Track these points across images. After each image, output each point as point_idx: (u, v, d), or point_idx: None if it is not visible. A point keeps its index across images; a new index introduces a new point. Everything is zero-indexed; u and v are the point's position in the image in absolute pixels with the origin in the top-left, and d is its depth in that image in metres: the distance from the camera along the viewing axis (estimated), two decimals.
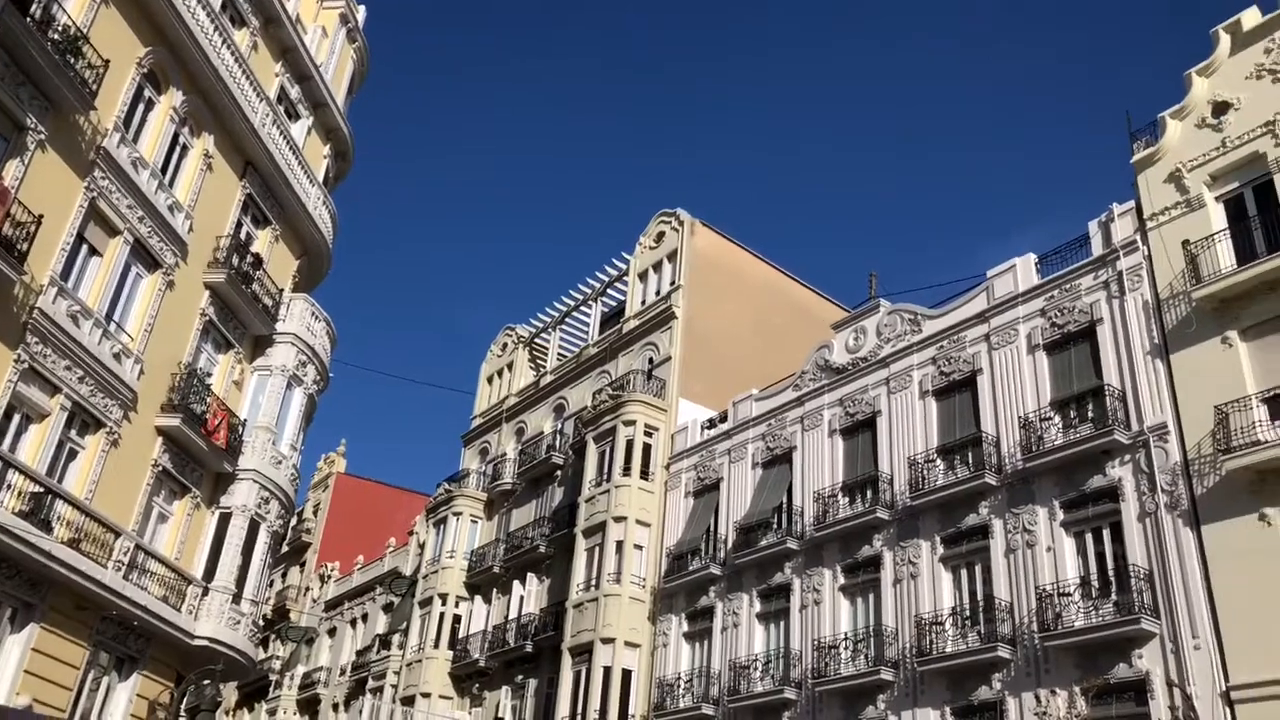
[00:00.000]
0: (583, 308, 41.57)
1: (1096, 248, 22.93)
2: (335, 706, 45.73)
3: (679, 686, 28.15)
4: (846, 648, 24.17)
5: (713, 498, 30.31)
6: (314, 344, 25.43)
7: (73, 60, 17.85)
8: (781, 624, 26.50)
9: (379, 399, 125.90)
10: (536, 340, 44.05)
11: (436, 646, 37.86)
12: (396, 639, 41.52)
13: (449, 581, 38.97)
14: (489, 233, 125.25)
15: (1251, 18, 21.53)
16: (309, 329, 25.34)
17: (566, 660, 30.54)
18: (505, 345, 45.72)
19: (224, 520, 22.71)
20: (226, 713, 51.10)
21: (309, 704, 47.72)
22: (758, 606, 27.30)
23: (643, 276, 38.16)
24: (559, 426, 38.79)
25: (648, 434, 32.82)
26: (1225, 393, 19.14)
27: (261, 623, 24.75)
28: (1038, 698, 19.78)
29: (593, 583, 31.16)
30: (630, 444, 32.49)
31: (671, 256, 36.95)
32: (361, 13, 29.96)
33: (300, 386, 25.01)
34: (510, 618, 35.85)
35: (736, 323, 36.41)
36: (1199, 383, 19.76)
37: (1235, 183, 20.99)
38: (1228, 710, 17.34)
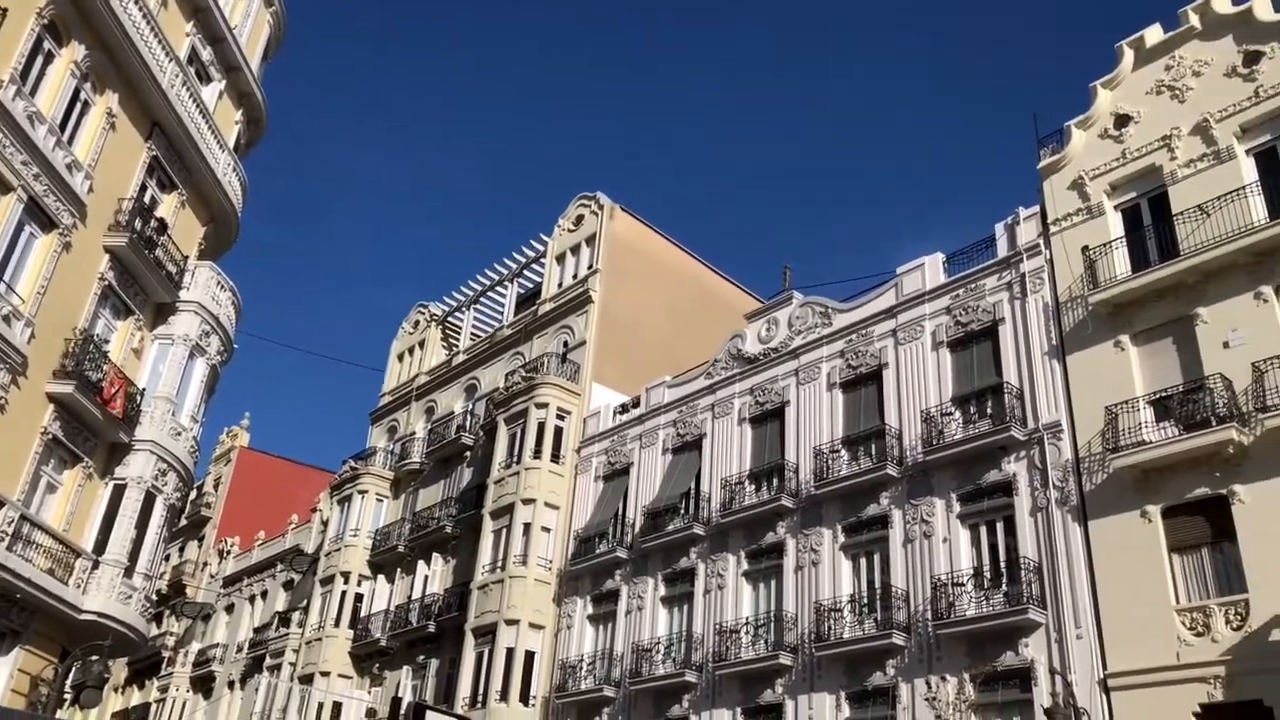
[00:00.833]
0: (498, 288, 41.27)
1: (1002, 249, 23.62)
2: (231, 684, 44.77)
3: (581, 668, 28.30)
4: (747, 632, 24.59)
5: (622, 482, 30.48)
6: (218, 314, 24.76)
7: None
8: (685, 608, 26.82)
9: (285, 373, 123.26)
10: (450, 319, 43.60)
11: (337, 625, 37.36)
12: (296, 617, 40.84)
13: (352, 560, 38.46)
14: (406, 208, 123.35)
15: (1154, 35, 22.37)
16: (214, 298, 24.66)
17: (469, 641, 30.44)
18: (417, 323, 45.16)
19: (118, 492, 22.00)
20: (115, 689, 49.61)
21: (203, 681, 46.60)
22: (662, 590, 27.58)
23: (560, 259, 38.05)
24: (470, 407, 38.51)
25: (560, 417, 32.81)
26: (1116, 394, 19.94)
27: (155, 598, 24.09)
28: (929, 684, 20.41)
29: (499, 564, 31.09)
30: (542, 427, 32.43)
31: (590, 240, 36.91)
32: None
33: (203, 357, 24.35)
34: (414, 597, 35.55)
35: (652, 309, 36.58)
36: (1092, 384, 20.55)
37: (1133, 193, 21.84)
38: (1104, 697, 18.15)
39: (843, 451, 24.63)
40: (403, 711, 11.49)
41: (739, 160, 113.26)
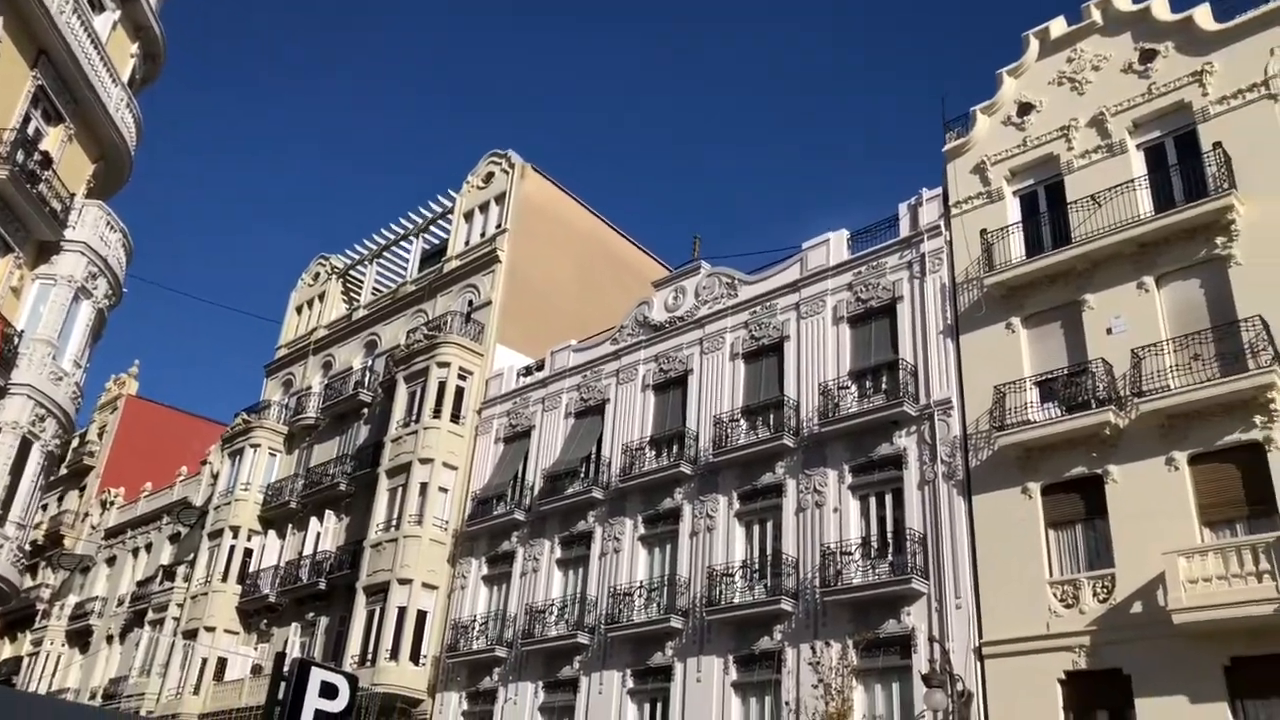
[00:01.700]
0: (403, 243, 40.53)
1: (905, 229, 24.12)
2: (110, 638, 43.45)
3: (474, 629, 28.30)
4: (641, 596, 24.88)
5: (523, 445, 30.40)
6: (107, 255, 23.74)
7: None
8: (581, 571, 26.99)
9: (178, 321, 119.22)
10: (352, 272, 42.70)
11: (224, 580, 36.58)
12: (182, 571, 39.83)
13: (242, 514, 37.63)
14: (310, 156, 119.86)
15: (1058, 27, 23.01)
16: (102, 239, 23.63)
17: (361, 599, 30.13)
18: (318, 275, 44.11)
19: None
20: None
21: (79, 635, 45.14)
22: (559, 553, 27.69)
23: (468, 216, 37.52)
24: (369, 363, 37.89)
25: (461, 377, 32.50)
26: (1004, 374, 20.64)
27: (29, 548, 23.17)
28: (814, 649, 20.96)
29: (393, 523, 30.79)
30: (443, 386, 32.10)
31: (499, 199, 36.48)
32: None
33: (89, 300, 23.35)
34: (305, 554, 34.98)
35: (560, 272, 36.38)
36: (983, 363, 21.22)
37: (1031, 180, 22.52)
38: (978, 664, 18.92)
39: (742, 421, 24.99)
40: (286, 667, 11.29)
41: (655, 129, 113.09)
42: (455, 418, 31.94)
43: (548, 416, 30.11)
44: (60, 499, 53.84)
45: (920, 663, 19.37)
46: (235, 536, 37.42)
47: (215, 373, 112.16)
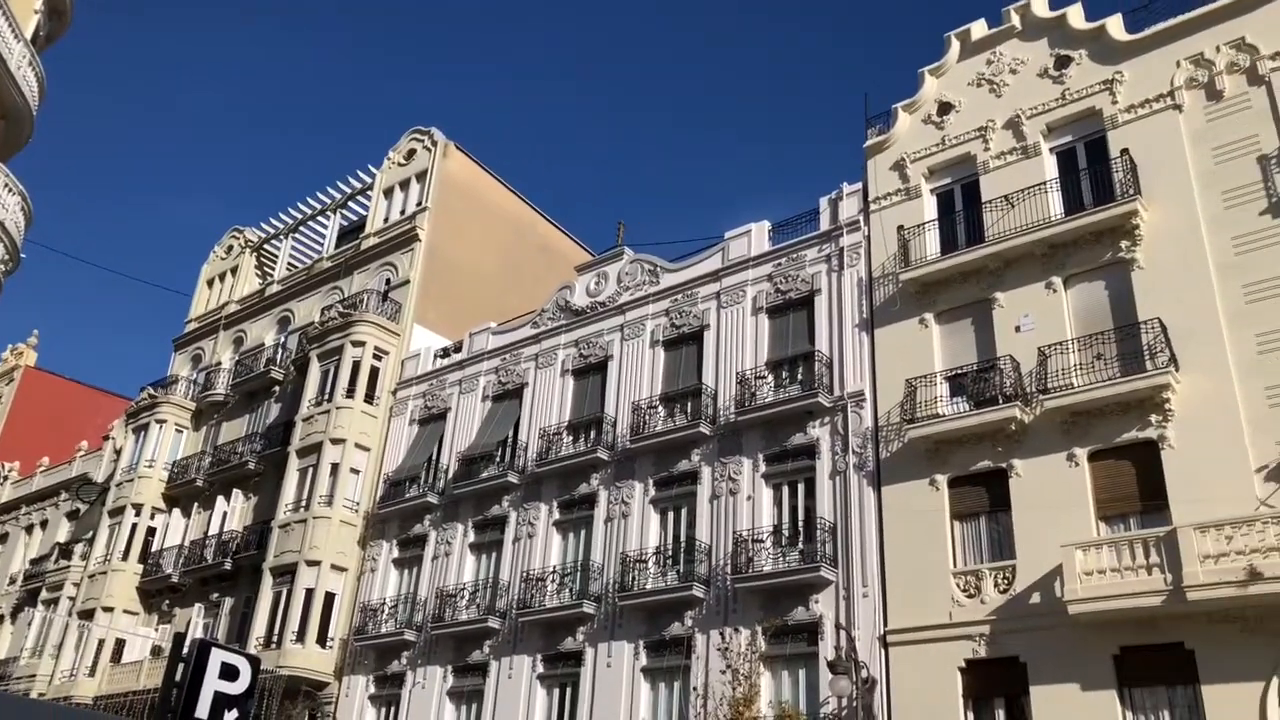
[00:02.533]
0: (320, 218, 39.69)
1: (825, 223, 24.42)
2: (0, 617, 41.88)
3: (383, 612, 27.96)
4: (553, 581, 24.85)
5: (438, 427, 30.08)
6: (4, 219, 22.72)
7: None
8: (494, 555, 26.83)
9: (82, 290, 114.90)
10: (266, 246, 41.70)
11: (125, 559, 35.55)
12: (80, 549, 38.54)
13: (145, 492, 36.57)
14: (226, 125, 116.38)
15: (979, 29, 23.50)
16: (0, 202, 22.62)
17: (267, 580, 29.54)
18: (231, 248, 43.00)
19: None
20: None
21: None
22: (472, 537, 27.49)
23: (388, 193, 36.91)
24: (282, 340, 37.08)
25: (377, 357, 32.01)
26: (916, 368, 21.07)
27: None
28: (723, 635, 21.18)
29: (303, 503, 30.23)
30: (357, 365, 31.58)
31: (421, 176, 35.94)
32: None
33: None
34: (211, 534, 34.16)
35: (481, 253, 36.03)
36: (896, 357, 21.63)
37: (948, 178, 22.98)
38: (882, 651, 19.34)
39: (660, 408, 25.08)
40: (185, 648, 10.98)
41: (582, 116, 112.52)
42: (369, 398, 31.46)
43: (464, 399, 29.84)
44: None
45: (827, 650, 19.72)
46: (138, 514, 36.39)
47: (120, 346, 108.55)
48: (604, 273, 28.56)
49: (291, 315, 37.52)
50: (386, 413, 31.52)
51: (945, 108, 23.35)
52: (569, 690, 23.60)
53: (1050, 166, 21.45)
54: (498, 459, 27.92)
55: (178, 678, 10.66)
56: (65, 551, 39.80)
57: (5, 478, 48.07)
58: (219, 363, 38.95)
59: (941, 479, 20.02)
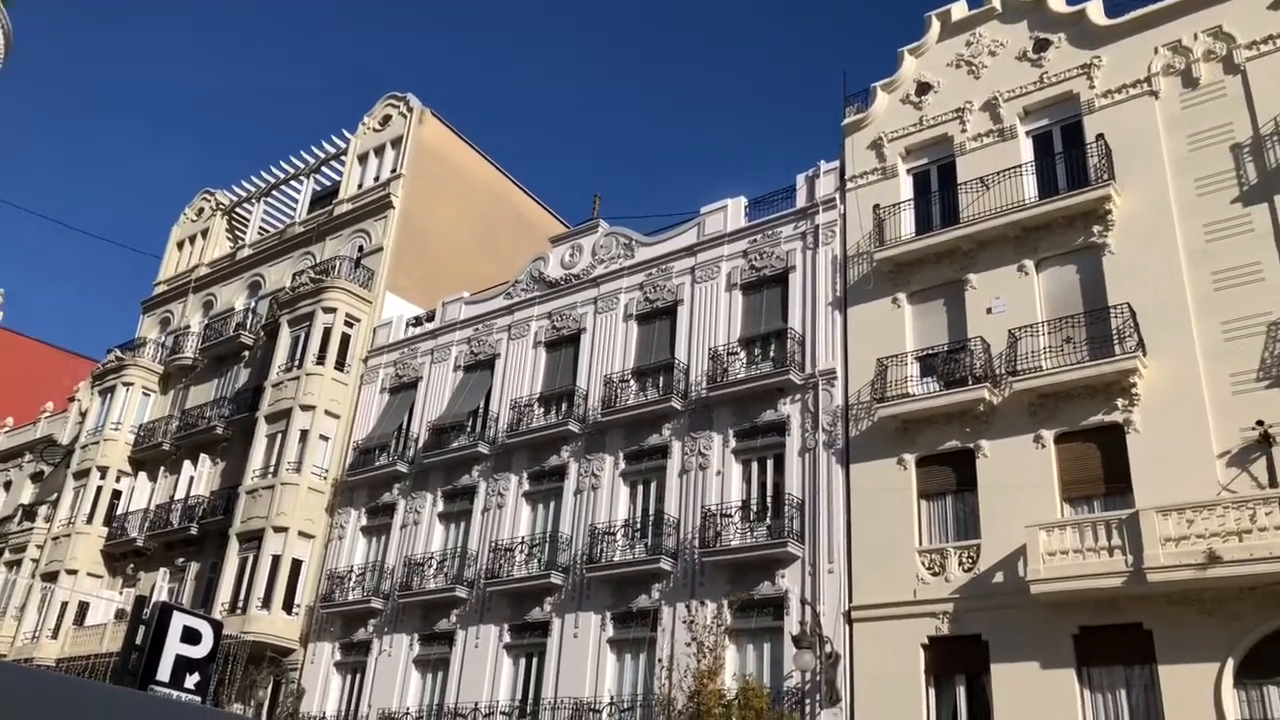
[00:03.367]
0: (293, 182, 39.25)
1: (801, 200, 24.39)
2: None
3: (350, 579, 27.90)
4: (522, 551, 24.87)
5: (409, 396, 29.93)
6: None
7: None
8: (463, 525, 26.81)
9: (49, 250, 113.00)
10: (238, 209, 41.21)
11: (90, 522, 35.25)
12: (44, 511, 38.18)
13: (111, 455, 36.21)
14: (200, 85, 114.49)
15: (959, 10, 23.47)
16: None
17: (234, 546, 29.40)
18: (202, 210, 42.44)
19: None
20: None
21: None
22: (440, 506, 27.44)
23: (362, 159, 36.52)
24: (252, 305, 36.72)
25: (348, 324, 31.78)
26: (888, 348, 21.15)
27: None
28: (689, 608, 21.30)
29: (271, 469, 30.05)
30: (328, 332, 31.34)
31: (396, 143, 35.57)
32: None
33: None
34: (177, 498, 33.88)
35: (455, 222, 35.76)
36: (868, 336, 21.70)
37: (925, 159, 23.00)
38: (847, 627, 19.52)
39: (632, 382, 25.07)
40: (146, 611, 10.92)
41: (562, 87, 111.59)
42: (340, 365, 31.25)
43: (436, 368, 29.69)
44: None
45: (791, 624, 19.87)
46: (103, 477, 36.06)
47: (87, 307, 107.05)
48: (578, 245, 28.42)
49: (262, 280, 37.15)
50: (357, 380, 31.33)
51: (924, 88, 23.33)
52: (535, 660, 23.68)
53: (1026, 149, 21.51)
54: (468, 429, 27.84)
55: (138, 640, 10.61)
56: (29, 513, 39.41)
57: None
58: (188, 326, 38.54)
59: (909, 458, 20.16)
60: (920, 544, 19.45)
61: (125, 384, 37.43)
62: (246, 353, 35.12)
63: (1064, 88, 21.29)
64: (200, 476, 34.08)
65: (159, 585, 32.90)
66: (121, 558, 34.63)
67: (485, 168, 38.30)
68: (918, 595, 18.92)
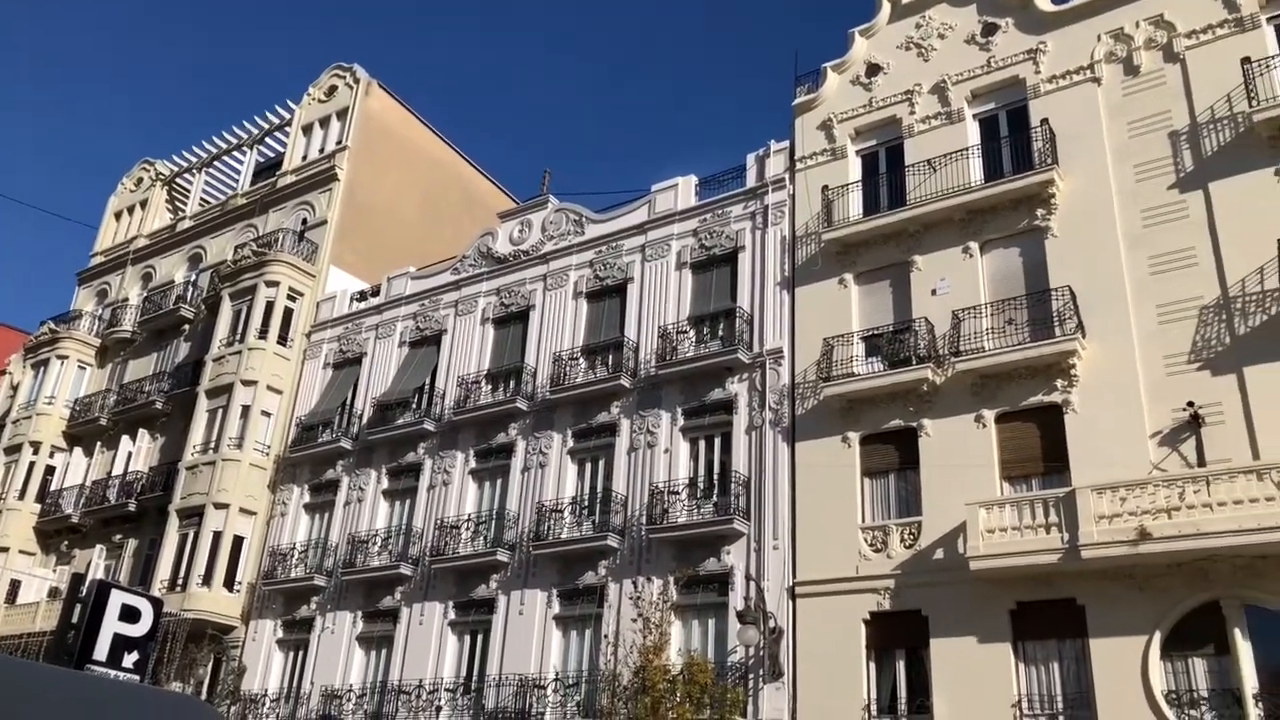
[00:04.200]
0: (236, 153, 38.43)
1: (751, 180, 24.44)
2: None
3: (293, 556, 27.62)
4: (468, 528, 24.79)
5: (353, 371, 29.59)
6: None
7: None
8: (408, 503, 26.63)
9: None
10: (178, 180, 40.27)
11: (22, 498, 34.43)
12: None
13: (44, 429, 35.38)
14: (138, 51, 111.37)
15: None
16: None
17: (174, 522, 28.92)
18: (140, 180, 41.41)
19: None
20: None
21: None
22: (385, 484, 27.22)
23: (307, 130, 35.87)
24: (193, 277, 36.00)
25: (291, 298, 31.29)
26: (834, 328, 21.35)
27: None
28: (635, 584, 21.42)
29: (211, 445, 29.58)
30: (270, 306, 30.84)
31: (341, 114, 34.99)
32: None
33: None
34: (114, 474, 33.21)
35: (402, 196, 35.32)
36: (815, 316, 21.88)
37: (874, 140, 23.17)
38: (790, 602, 19.76)
39: (581, 360, 25.03)
40: (83, 590, 10.70)
41: (513, 62, 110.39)
42: (282, 339, 30.79)
43: (381, 344, 29.37)
44: None
45: (736, 600, 20.07)
46: (36, 453, 35.23)
47: (20, 277, 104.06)
48: (528, 220, 28.23)
49: (203, 252, 36.40)
50: (300, 355, 30.90)
51: (874, 69, 23.47)
52: (480, 637, 23.66)
53: (973, 133, 21.76)
54: (414, 406, 27.61)
55: (75, 619, 10.39)
56: None
57: None
58: (126, 299, 37.67)
59: (854, 436, 20.40)
60: (863, 521, 19.72)
61: (60, 357, 36.56)
62: (187, 326, 34.46)
63: (1010, 72, 21.55)
64: (139, 452, 33.42)
65: (95, 563, 32.27)
66: (55, 535, 33.91)
67: (433, 141, 37.84)
68: (860, 571, 19.21)
